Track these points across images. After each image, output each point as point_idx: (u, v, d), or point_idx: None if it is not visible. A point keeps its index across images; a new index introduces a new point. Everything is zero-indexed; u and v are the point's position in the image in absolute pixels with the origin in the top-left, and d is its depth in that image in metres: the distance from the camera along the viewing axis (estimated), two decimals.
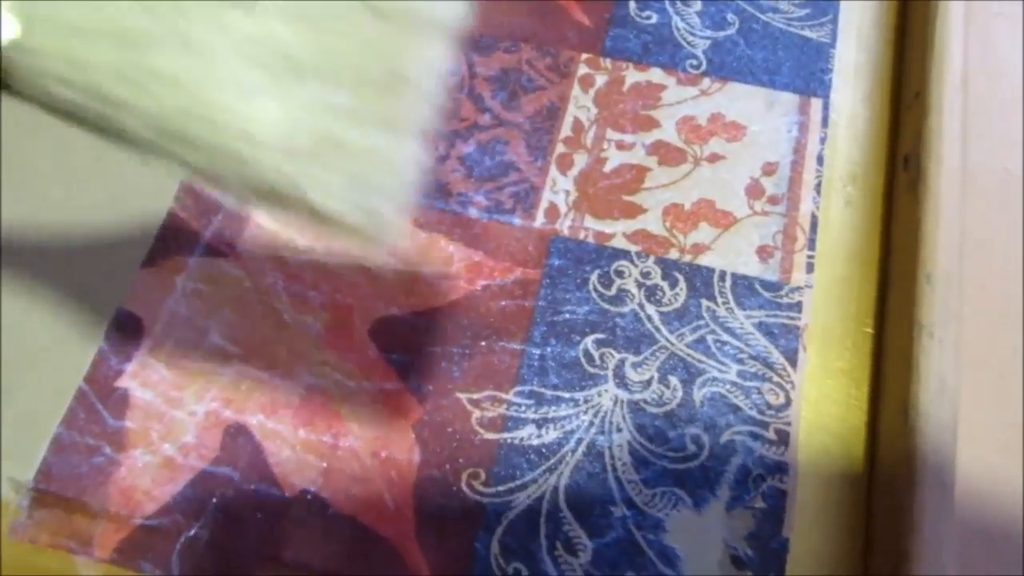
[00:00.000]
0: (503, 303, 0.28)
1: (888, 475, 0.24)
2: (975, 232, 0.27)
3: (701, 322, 0.28)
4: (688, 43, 0.33)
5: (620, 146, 0.31)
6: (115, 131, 0.16)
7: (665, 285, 0.28)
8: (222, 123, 0.16)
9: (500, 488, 0.25)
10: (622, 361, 0.27)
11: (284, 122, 0.16)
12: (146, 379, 0.27)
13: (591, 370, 0.27)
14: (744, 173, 0.30)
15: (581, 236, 0.29)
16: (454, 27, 0.18)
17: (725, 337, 0.28)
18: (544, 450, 0.26)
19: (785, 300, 0.28)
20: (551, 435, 0.26)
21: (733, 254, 0.29)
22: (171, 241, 0.29)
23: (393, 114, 0.17)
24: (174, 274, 0.28)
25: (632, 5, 0.34)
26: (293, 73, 0.16)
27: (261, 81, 0.16)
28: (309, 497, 0.25)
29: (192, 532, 0.25)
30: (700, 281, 0.28)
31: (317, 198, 0.17)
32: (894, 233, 0.29)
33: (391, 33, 0.17)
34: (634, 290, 0.28)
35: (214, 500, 0.25)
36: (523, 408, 0.26)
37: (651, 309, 0.28)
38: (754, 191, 0.30)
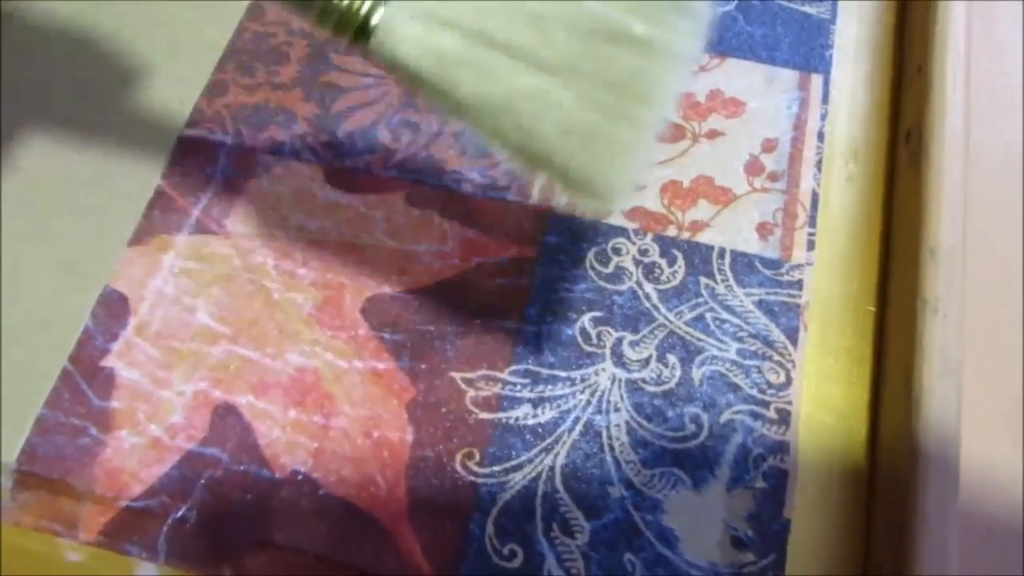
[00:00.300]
0: (498, 281, 0.27)
1: (891, 454, 0.24)
2: (978, 206, 0.27)
3: (700, 300, 0.27)
4: None
5: None
6: (449, 101, 0.20)
7: (663, 263, 0.28)
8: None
9: (495, 468, 0.25)
10: (620, 339, 0.27)
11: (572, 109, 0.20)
12: (132, 359, 0.26)
13: (588, 349, 0.26)
14: (743, 150, 0.30)
15: (578, 213, 0.29)
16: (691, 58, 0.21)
17: (724, 315, 0.27)
18: (540, 430, 0.25)
19: (785, 278, 0.28)
20: (547, 415, 0.25)
21: (732, 231, 0.28)
22: (159, 219, 0.28)
23: (632, 119, 0.20)
24: (161, 252, 0.28)
25: None
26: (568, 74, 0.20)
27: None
28: (299, 478, 0.24)
29: (179, 514, 0.24)
30: (699, 258, 0.28)
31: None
32: (896, 209, 0.28)
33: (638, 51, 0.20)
34: (632, 268, 0.28)
35: (202, 481, 0.24)
36: (518, 387, 0.26)
37: (649, 287, 0.27)
38: (754, 168, 0.30)
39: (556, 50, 0.20)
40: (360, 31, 0.20)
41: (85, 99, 0.30)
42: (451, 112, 0.20)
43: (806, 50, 0.32)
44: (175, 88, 0.31)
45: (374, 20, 0.20)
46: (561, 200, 0.21)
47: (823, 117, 0.31)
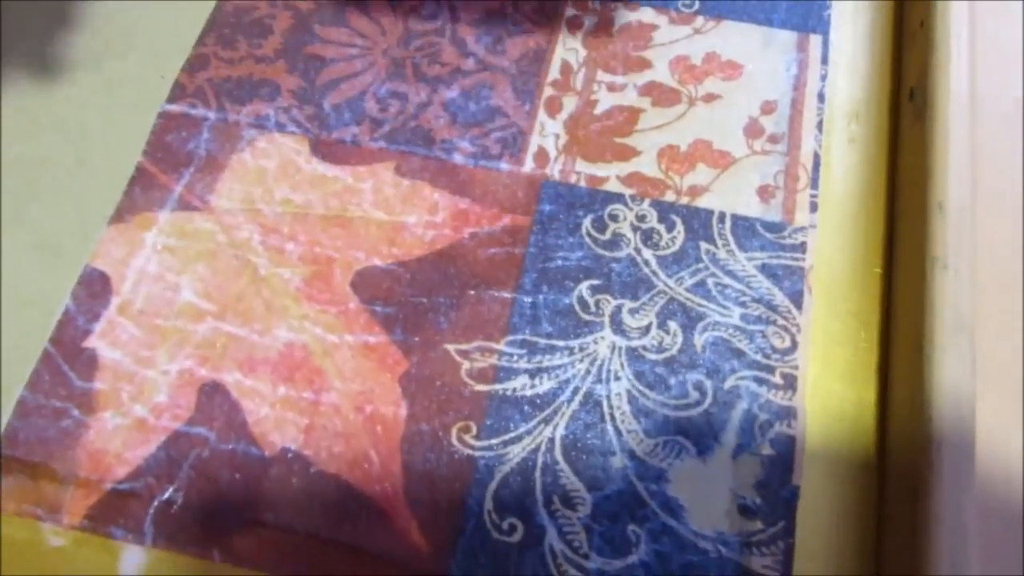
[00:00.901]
0: (492, 251, 0.27)
1: (903, 415, 0.23)
2: (985, 161, 0.26)
3: (700, 265, 0.26)
4: None
5: (611, 88, 0.29)
6: None
7: (662, 228, 0.27)
8: None
9: (493, 441, 0.24)
10: (619, 307, 0.26)
11: None
12: (115, 339, 0.25)
13: (586, 317, 0.26)
14: (742, 113, 0.29)
15: (572, 180, 0.28)
16: None
17: (726, 280, 0.26)
18: (538, 401, 0.24)
19: (788, 241, 0.27)
20: (545, 385, 0.25)
21: (732, 195, 0.28)
22: (140, 196, 0.27)
23: None
24: (143, 230, 0.27)
25: None
26: None
27: None
28: (290, 456, 0.24)
29: (166, 495, 0.23)
30: (698, 223, 0.27)
31: None
32: (901, 167, 0.27)
33: None
34: (629, 234, 0.27)
35: (189, 461, 0.23)
36: (515, 358, 0.25)
37: (648, 253, 0.27)
38: (753, 131, 0.29)
39: None
40: None
41: (62, 76, 0.29)
42: None
43: (804, 11, 0.31)
44: (155, 63, 0.30)
45: None
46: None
47: (823, 78, 0.30)
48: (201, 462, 0.23)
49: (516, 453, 0.24)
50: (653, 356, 0.25)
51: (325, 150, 0.28)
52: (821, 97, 0.29)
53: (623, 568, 0.22)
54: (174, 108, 0.29)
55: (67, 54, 0.29)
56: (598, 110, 0.29)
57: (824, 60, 0.30)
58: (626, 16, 0.31)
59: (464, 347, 0.25)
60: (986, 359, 0.23)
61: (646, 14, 0.31)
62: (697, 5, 0.31)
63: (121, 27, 0.30)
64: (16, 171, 0.28)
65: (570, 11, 0.31)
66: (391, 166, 0.28)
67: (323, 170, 0.28)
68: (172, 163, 0.28)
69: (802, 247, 0.27)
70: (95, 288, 0.26)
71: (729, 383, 0.25)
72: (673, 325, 0.26)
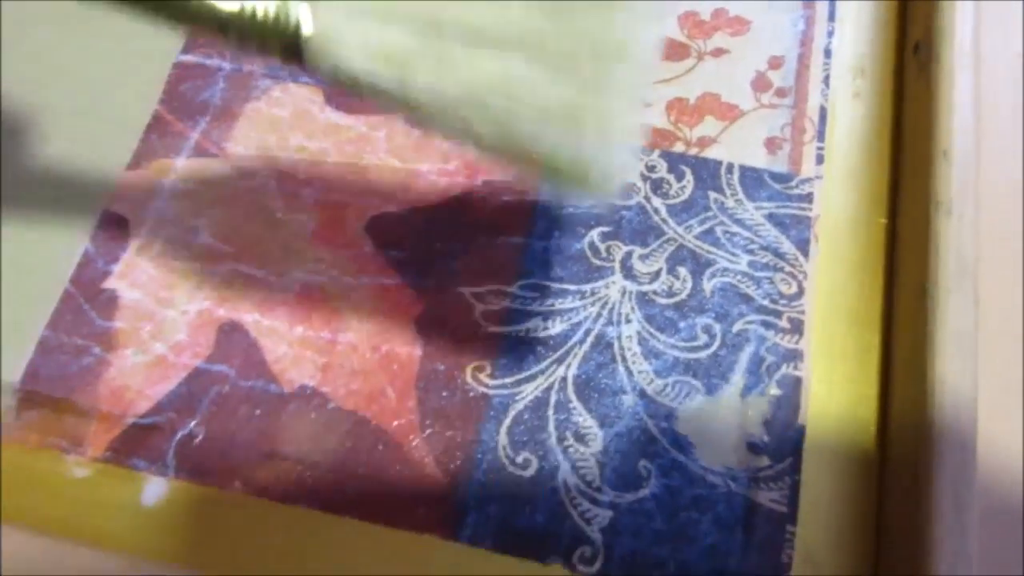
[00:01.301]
0: (504, 198, 0.27)
1: (907, 358, 0.24)
2: (988, 112, 0.26)
3: (709, 214, 0.27)
4: None
5: None
6: (409, 106, 0.17)
7: (671, 178, 0.28)
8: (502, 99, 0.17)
9: (506, 380, 0.24)
10: (629, 253, 0.26)
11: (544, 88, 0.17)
12: (134, 280, 0.26)
13: (597, 263, 0.26)
14: (750, 67, 0.29)
15: (569, 205, 0.28)
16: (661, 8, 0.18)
17: (735, 228, 0.27)
18: (551, 342, 0.25)
19: (795, 191, 0.27)
20: (557, 327, 0.25)
21: (740, 146, 0.28)
22: (156, 142, 0.28)
23: (615, 82, 0.18)
24: (161, 176, 0.27)
25: None
26: (535, 50, 0.17)
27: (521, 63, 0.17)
28: (308, 392, 0.24)
29: (188, 429, 0.24)
30: (707, 173, 0.28)
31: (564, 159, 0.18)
32: (906, 118, 0.28)
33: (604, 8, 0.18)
34: (640, 183, 0.27)
35: (210, 397, 0.24)
36: (528, 301, 0.25)
37: (658, 202, 0.27)
38: (760, 84, 0.29)
39: (515, 24, 0.17)
40: (290, 47, 0.17)
41: (76, 26, 0.29)
42: (411, 114, 0.18)
43: None
44: None
45: (305, 30, 0.17)
46: (546, 191, 0.19)
47: (830, 34, 0.30)
48: (221, 398, 0.24)
49: (529, 392, 0.24)
50: (663, 300, 0.26)
51: (339, 100, 0.29)
52: (827, 52, 0.30)
53: (634, 501, 0.23)
54: (189, 58, 0.29)
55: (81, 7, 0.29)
56: None
57: (831, 16, 0.30)
58: None
59: (478, 290, 0.26)
60: (989, 301, 0.24)
61: None
62: None
63: None
64: (34, 118, 0.28)
65: None
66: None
67: (337, 119, 0.28)
68: (188, 111, 0.28)
69: (808, 197, 0.27)
70: (113, 231, 0.26)
71: (737, 327, 0.25)
72: (683, 271, 0.26)
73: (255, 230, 0.26)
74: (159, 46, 0.29)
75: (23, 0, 0.29)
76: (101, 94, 0.28)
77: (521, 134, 0.17)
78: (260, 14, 0.17)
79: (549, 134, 0.17)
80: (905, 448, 0.22)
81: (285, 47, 0.17)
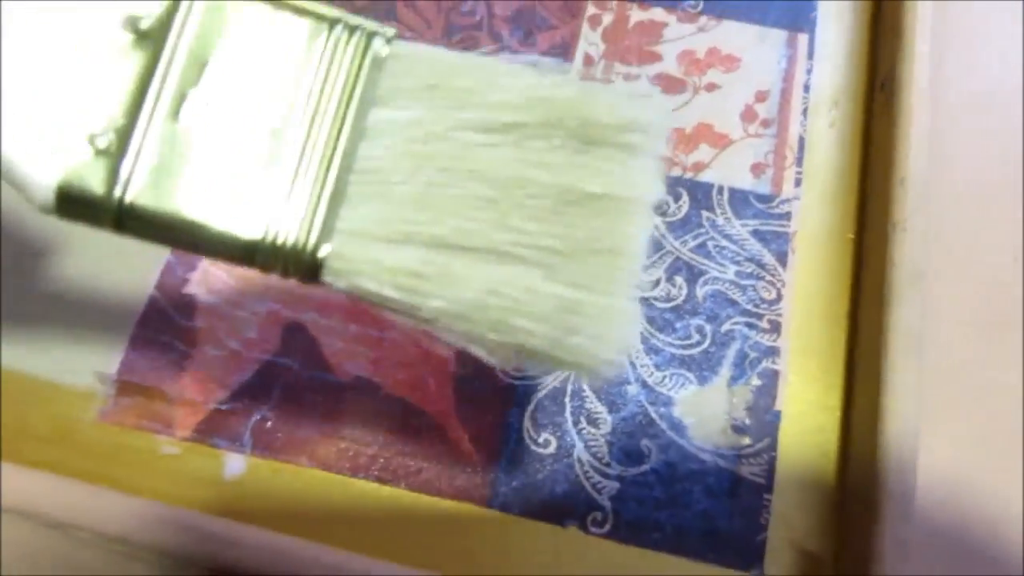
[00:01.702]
0: None
1: (866, 350, 0.28)
2: (943, 143, 0.31)
3: (702, 230, 0.31)
4: None
5: (627, 77, 0.34)
6: (419, 319, 0.19)
7: (670, 199, 0.32)
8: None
9: (529, 372, 0.29)
10: None
11: (545, 290, 0.19)
12: (210, 286, 0.30)
13: None
14: (739, 100, 0.34)
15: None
16: (651, 200, 0.20)
17: (724, 243, 0.31)
18: None
19: (776, 210, 0.32)
20: None
21: (730, 171, 0.32)
22: None
23: (609, 279, 0.20)
24: None
25: None
26: (534, 254, 0.19)
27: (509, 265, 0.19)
28: (362, 382, 0.28)
29: (261, 414, 0.28)
30: (701, 194, 0.32)
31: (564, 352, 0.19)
32: (872, 147, 0.32)
33: (599, 208, 0.20)
34: None
35: (278, 386, 0.28)
36: None
37: (658, 220, 0.31)
38: (748, 116, 0.33)
39: (516, 233, 0.19)
40: (310, 270, 0.19)
41: None
42: (422, 325, 0.19)
43: (794, 12, 0.36)
44: None
45: (322, 253, 0.18)
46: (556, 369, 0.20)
47: (809, 71, 0.34)
48: (288, 387, 0.28)
49: (549, 382, 0.29)
50: (662, 305, 0.30)
51: None
52: (807, 87, 0.34)
53: (638, 474, 0.27)
54: None
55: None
56: None
57: (810, 55, 0.35)
58: (639, 15, 0.35)
59: None
60: (936, 304, 0.28)
61: (657, 13, 0.36)
62: (701, 6, 0.36)
63: None
64: None
65: (591, 9, 0.36)
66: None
67: None
68: None
69: (787, 215, 0.32)
70: None
71: (725, 327, 0.30)
72: (679, 279, 0.30)
73: None
74: None
75: None
76: None
77: (523, 335, 0.19)
78: (280, 242, 0.18)
79: (549, 332, 0.19)
80: (863, 429, 0.27)
81: (305, 270, 0.19)
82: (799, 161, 0.33)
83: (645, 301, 0.30)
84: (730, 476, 0.27)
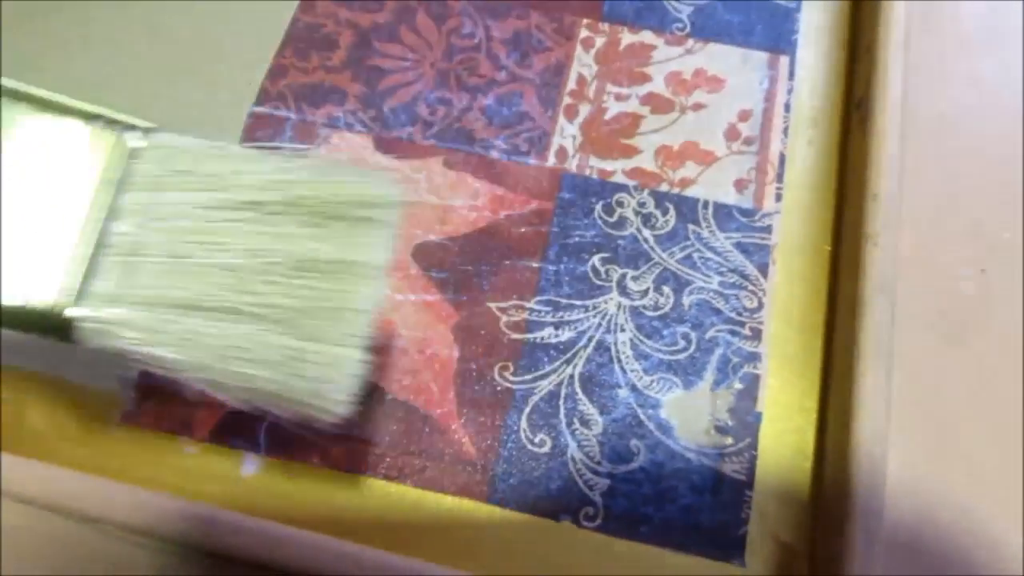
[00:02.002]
0: (523, 229, 0.33)
1: (840, 355, 0.30)
2: (913, 161, 0.33)
3: (688, 242, 0.33)
4: (674, 9, 0.38)
5: (618, 97, 0.36)
6: (169, 371, 0.23)
7: (658, 213, 0.34)
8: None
9: (526, 377, 0.31)
10: (624, 275, 0.33)
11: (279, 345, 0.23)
12: None
13: (598, 282, 0.32)
14: (723, 119, 0.36)
15: (587, 173, 0.34)
16: (384, 267, 0.24)
17: (708, 254, 0.33)
18: (561, 346, 0.31)
19: (758, 224, 0.34)
20: (566, 335, 0.31)
21: (714, 186, 0.34)
22: None
23: (333, 333, 0.23)
24: None
25: None
26: (268, 312, 0.23)
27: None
28: (370, 386, 0.30)
29: (275, 417, 0.30)
30: (687, 209, 0.34)
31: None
32: (848, 164, 0.34)
33: (332, 272, 0.23)
34: (632, 217, 0.34)
35: None
36: (543, 313, 0.32)
37: (647, 232, 0.33)
38: (732, 134, 0.35)
39: (253, 295, 0.22)
40: (61, 329, 0.22)
41: (165, 84, 0.35)
42: (169, 373, 0.23)
43: (775, 34, 0.38)
44: (241, 71, 0.36)
45: (71, 314, 0.22)
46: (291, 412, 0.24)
47: (789, 91, 0.36)
48: None
49: (544, 386, 0.31)
50: (651, 313, 0.32)
51: (386, 146, 0.35)
52: (787, 107, 0.36)
53: (627, 472, 0.29)
54: (262, 109, 0.35)
55: (168, 65, 0.35)
56: (607, 116, 0.36)
57: (791, 76, 0.37)
58: (630, 38, 0.37)
59: (502, 304, 0.32)
60: (905, 312, 0.30)
61: (646, 36, 0.37)
62: (688, 29, 0.38)
63: (212, 40, 0.36)
64: None
65: (584, 32, 0.37)
66: (440, 160, 0.34)
67: (385, 162, 0.34)
68: None
69: (769, 228, 0.34)
70: None
71: (709, 334, 0.32)
72: (667, 289, 0.32)
73: None
74: (236, 99, 0.35)
75: (126, 56, 0.35)
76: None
77: (259, 380, 0.22)
78: (34, 306, 0.22)
79: (280, 376, 0.22)
80: (837, 429, 0.29)
81: (57, 330, 0.22)
82: (779, 177, 0.35)
83: (635, 310, 0.32)
84: (713, 474, 0.29)
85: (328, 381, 0.22)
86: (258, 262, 0.22)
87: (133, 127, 0.24)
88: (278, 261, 0.23)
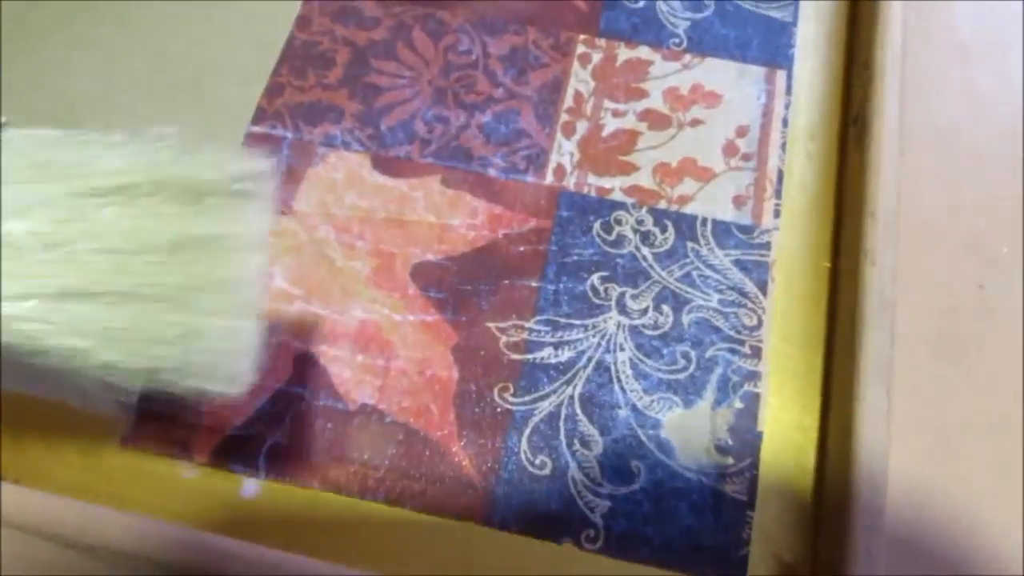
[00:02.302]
0: (521, 248, 0.33)
1: (841, 374, 0.30)
2: (909, 178, 0.33)
3: (687, 260, 0.33)
4: (671, 24, 0.38)
5: (615, 114, 0.36)
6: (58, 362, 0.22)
7: (656, 230, 0.34)
8: None
9: (526, 398, 0.31)
10: (623, 293, 0.32)
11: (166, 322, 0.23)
12: None
13: (597, 301, 0.32)
14: (721, 135, 0.36)
15: (584, 191, 0.34)
16: (261, 240, 0.24)
17: (707, 272, 0.33)
18: (561, 367, 0.31)
19: (757, 240, 0.34)
20: (566, 355, 0.31)
21: (713, 203, 0.34)
22: None
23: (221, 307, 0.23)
24: None
25: None
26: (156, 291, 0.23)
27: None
28: (369, 409, 0.30)
29: (274, 439, 0.30)
30: (686, 226, 0.34)
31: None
32: (845, 181, 0.34)
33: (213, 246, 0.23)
34: (631, 235, 0.34)
35: (291, 413, 0.30)
36: (542, 333, 0.32)
37: (646, 250, 0.33)
38: (729, 150, 0.35)
39: (136, 276, 0.22)
40: None
41: (162, 103, 0.35)
42: (64, 364, 0.22)
43: (772, 49, 0.38)
44: (238, 90, 0.36)
45: None
46: (192, 389, 0.23)
47: (787, 106, 0.36)
48: (300, 413, 0.30)
49: (544, 407, 0.31)
50: (650, 332, 0.32)
51: (384, 164, 0.35)
52: (785, 122, 0.36)
53: (628, 493, 0.29)
54: (258, 129, 0.35)
55: (164, 84, 0.35)
56: (605, 132, 0.36)
57: (788, 91, 0.37)
58: (627, 53, 0.37)
59: (501, 324, 0.32)
60: (903, 325, 0.30)
61: (643, 52, 0.37)
62: (685, 44, 0.38)
63: (209, 59, 0.36)
64: None
65: (581, 48, 0.37)
66: (438, 178, 0.34)
67: (383, 181, 0.34)
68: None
69: (767, 245, 0.34)
70: None
71: (709, 353, 0.32)
72: (666, 307, 0.32)
73: (320, 275, 0.32)
74: (233, 118, 0.35)
75: (124, 75, 0.35)
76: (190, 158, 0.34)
77: (155, 358, 0.22)
78: None
79: (176, 352, 0.22)
80: (838, 447, 0.29)
81: None
82: (778, 193, 0.35)
83: (635, 329, 0.32)
84: (714, 494, 0.29)
85: (226, 353, 0.23)
86: (136, 244, 0.22)
87: None
88: (155, 241, 0.22)
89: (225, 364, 0.23)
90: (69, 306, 0.22)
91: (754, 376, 0.31)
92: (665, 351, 0.32)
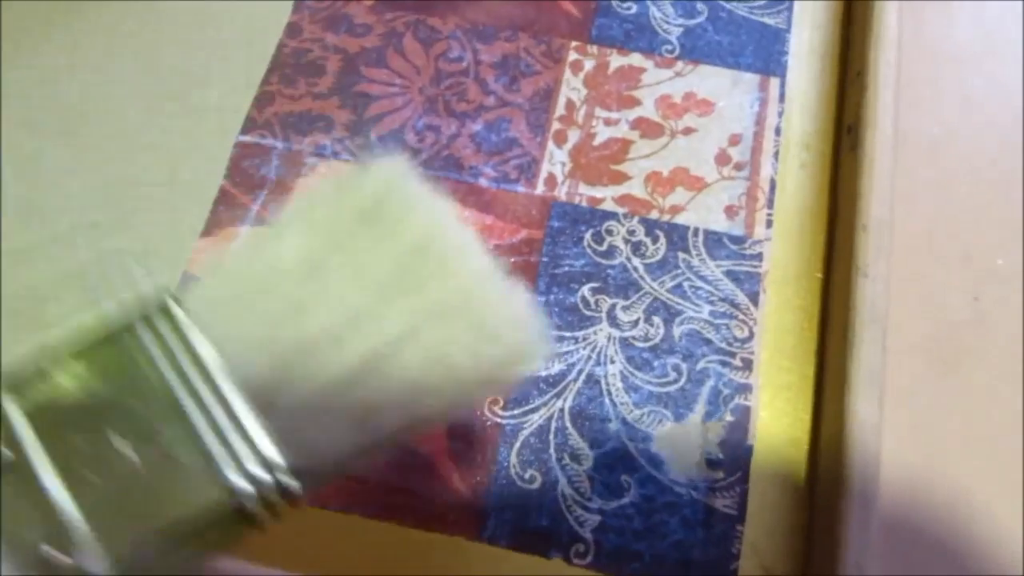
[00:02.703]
0: (512, 259, 0.33)
1: (832, 386, 0.30)
2: (904, 188, 0.32)
3: (679, 271, 0.33)
4: (664, 31, 0.38)
5: (607, 122, 0.36)
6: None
7: (648, 241, 0.34)
8: None
9: (516, 411, 0.30)
10: (614, 305, 0.32)
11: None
12: None
13: (588, 313, 0.32)
14: (713, 144, 0.35)
15: (576, 201, 0.34)
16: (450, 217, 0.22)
17: (699, 283, 0.33)
18: (551, 380, 0.31)
19: (748, 251, 0.33)
20: (556, 367, 0.31)
21: (705, 213, 0.34)
22: (224, 213, 0.34)
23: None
24: (229, 241, 0.33)
25: None
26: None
27: None
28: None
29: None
30: (677, 236, 0.34)
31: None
32: (839, 191, 0.34)
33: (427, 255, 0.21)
34: (622, 245, 0.33)
35: None
36: None
37: (637, 261, 0.33)
38: (722, 159, 0.35)
39: (405, 313, 0.20)
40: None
41: (152, 111, 0.35)
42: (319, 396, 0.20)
43: (765, 56, 0.37)
44: (228, 99, 0.36)
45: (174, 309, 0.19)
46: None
47: (780, 114, 0.36)
48: None
49: (534, 420, 0.30)
50: (641, 344, 0.32)
51: None
52: (778, 131, 0.36)
53: (618, 507, 0.29)
54: (247, 139, 0.35)
55: (155, 93, 0.35)
56: (596, 141, 0.35)
57: (781, 99, 0.37)
58: (619, 60, 0.37)
59: None
60: (896, 337, 0.30)
61: (635, 59, 0.37)
62: (678, 51, 0.37)
63: (198, 67, 0.36)
64: (120, 188, 0.34)
65: (573, 56, 0.37)
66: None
67: None
68: (249, 186, 0.34)
69: (759, 256, 0.33)
70: None
71: (700, 365, 0.31)
72: (657, 319, 0.32)
73: None
74: (222, 128, 0.35)
75: (114, 83, 0.35)
76: (175, 170, 0.34)
77: (458, 360, 0.20)
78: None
79: (474, 349, 0.20)
80: (829, 462, 0.29)
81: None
82: (770, 203, 0.34)
83: (625, 341, 0.32)
84: (704, 508, 0.29)
85: (521, 331, 0.21)
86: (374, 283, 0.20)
87: (162, 304, 0.20)
88: (383, 274, 0.20)
89: (525, 344, 0.21)
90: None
91: (745, 389, 0.31)
92: (656, 363, 0.31)
